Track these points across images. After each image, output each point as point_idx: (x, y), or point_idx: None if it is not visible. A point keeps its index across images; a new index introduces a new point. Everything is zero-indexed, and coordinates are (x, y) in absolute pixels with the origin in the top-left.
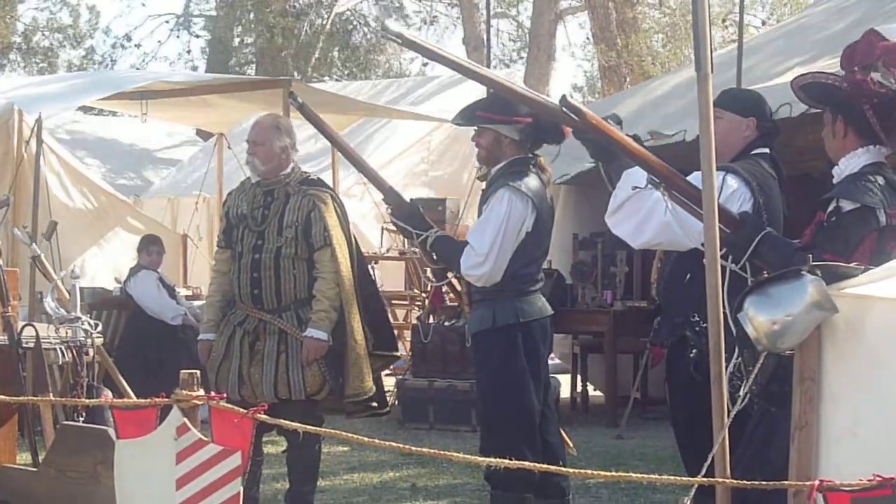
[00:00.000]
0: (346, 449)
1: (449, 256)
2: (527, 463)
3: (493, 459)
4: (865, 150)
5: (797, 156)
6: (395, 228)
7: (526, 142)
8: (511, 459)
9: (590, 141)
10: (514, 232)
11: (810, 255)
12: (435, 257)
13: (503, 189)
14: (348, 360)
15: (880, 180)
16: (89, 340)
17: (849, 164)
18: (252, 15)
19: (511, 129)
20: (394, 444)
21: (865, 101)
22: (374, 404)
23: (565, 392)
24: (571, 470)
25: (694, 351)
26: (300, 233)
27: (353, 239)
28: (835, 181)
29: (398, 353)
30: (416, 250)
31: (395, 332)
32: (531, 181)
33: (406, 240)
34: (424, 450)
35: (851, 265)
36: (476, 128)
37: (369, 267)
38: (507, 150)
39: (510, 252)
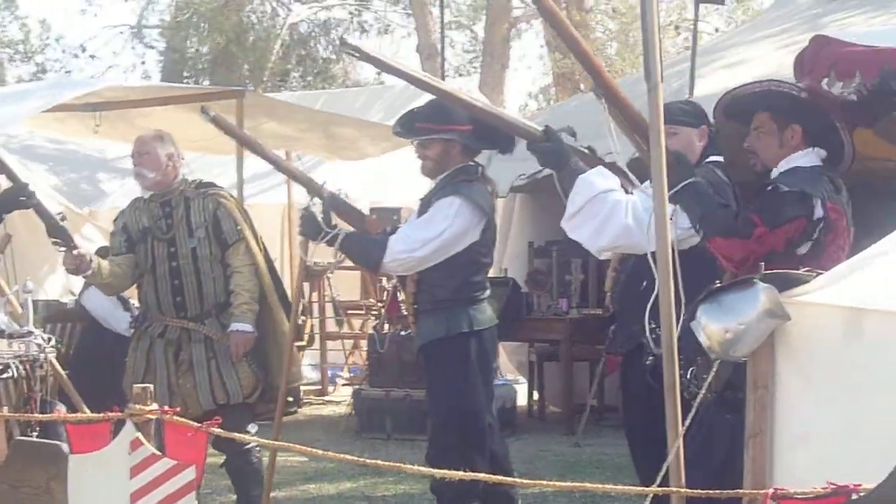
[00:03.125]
0: (303, 459)
1: (364, 249)
2: (481, 474)
3: (444, 471)
4: (804, 153)
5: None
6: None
7: (471, 149)
8: (462, 469)
9: (539, 150)
10: (456, 238)
11: (762, 263)
12: (344, 255)
13: (454, 196)
14: (273, 353)
15: (824, 177)
16: (42, 355)
17: (789, 165)
18: (206, 25)
19: (459, 136)
20: (348, 456)
21: (832, 108)
22: (290, 399)
23: (522, 400)
24: (526, 481)
25: (650, 358)
26: (211, 231)
27: (259, 239)
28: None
29: (304, 343)
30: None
31: (352, 342)
32: (480, 190)
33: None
34: (379, 462)
35: (803, 272)
36: (418, 140)
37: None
38: (455, 159)
39: (444, 254)
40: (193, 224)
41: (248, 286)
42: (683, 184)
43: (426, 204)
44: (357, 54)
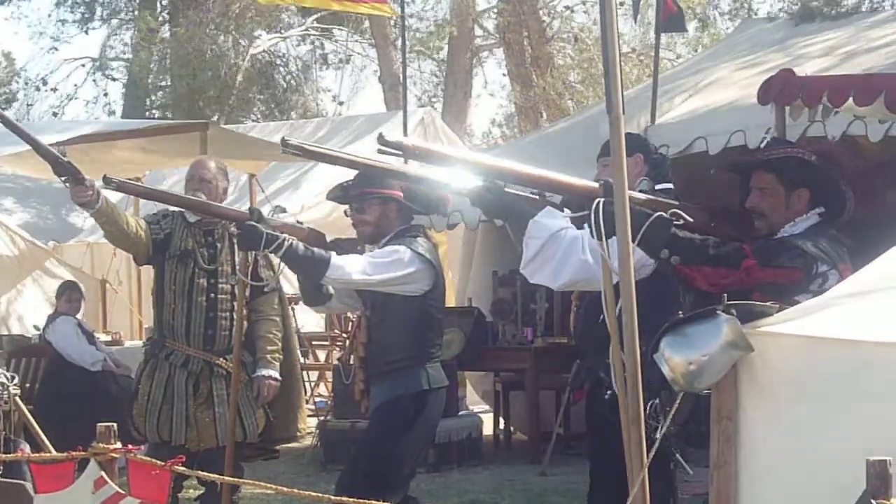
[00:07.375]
0: (270, 492)
1: (309, 260)
2: None
3: None
4: (806, 217)
5: (716, 190)
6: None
7: (407, 211)
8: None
9: (483, 204)
10: (403, 279)
11: (725, 295)
12: (286, 264)
13: (400, 245)
14: (289, 400)
15: (824, 242)
16: (6, 392)
17: (793, 230)
18: (168, 60)
19: (394, 198)
20: (313, 492)
21: (840, 172)
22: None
23: (488, 429)
24: None
25: (608, 392)
26: (249, 276)
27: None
28: None
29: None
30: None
31: (317, 373)
32: (425, 244)
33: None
34: (344, 499)
35: (766, 304)
36: (352, 207)
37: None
38: (394, 222)
39: (386, 287)
40: (237, 264)
41: (279, 336)
42: (652, 218)
43: None
44: (300, 153)
